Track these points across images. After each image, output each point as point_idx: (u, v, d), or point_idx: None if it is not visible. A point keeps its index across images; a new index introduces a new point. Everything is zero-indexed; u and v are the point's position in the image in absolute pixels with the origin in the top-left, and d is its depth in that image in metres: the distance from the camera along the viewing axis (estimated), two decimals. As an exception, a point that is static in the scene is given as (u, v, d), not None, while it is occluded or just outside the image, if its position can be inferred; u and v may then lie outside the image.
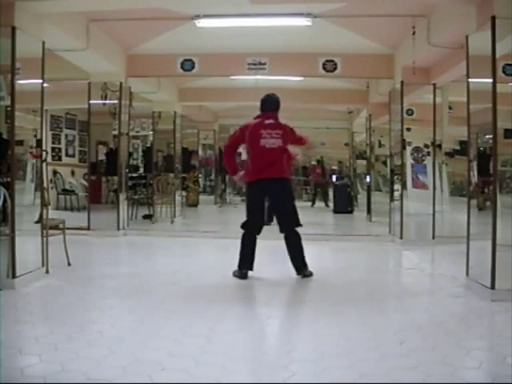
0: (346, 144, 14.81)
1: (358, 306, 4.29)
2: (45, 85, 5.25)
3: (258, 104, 5.33)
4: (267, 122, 5.18)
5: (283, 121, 5.29)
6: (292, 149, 5.34)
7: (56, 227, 5.61)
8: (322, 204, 14.45)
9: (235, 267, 5.21)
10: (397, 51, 7.96)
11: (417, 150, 8.37)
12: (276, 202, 5.27)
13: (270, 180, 5.10)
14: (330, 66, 8.26)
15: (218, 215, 12.97)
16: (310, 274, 5.20)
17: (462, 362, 3.03)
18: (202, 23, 6.92)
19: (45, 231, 5.22)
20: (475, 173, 5.16)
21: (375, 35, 7.52)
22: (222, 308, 4.17)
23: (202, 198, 14.07)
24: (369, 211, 10.91)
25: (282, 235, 5.24)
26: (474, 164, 5.25)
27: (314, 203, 14.63)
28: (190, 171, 13.36)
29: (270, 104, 5.31)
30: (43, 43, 5.15)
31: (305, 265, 5.22)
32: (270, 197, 5.28)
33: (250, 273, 5.17)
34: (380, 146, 10.91)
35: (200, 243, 7.82)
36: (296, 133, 5.43)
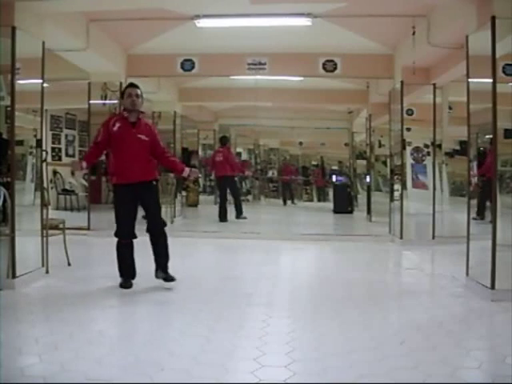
0: (346, 144, 14.79)
1: (358, 305, 4.29)
2: (45, 85, 5.25)
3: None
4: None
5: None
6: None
7: (56, 227, 5.61)
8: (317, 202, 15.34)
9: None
10: (397, 51, 7.96)
11: (417, 150, 8.36)
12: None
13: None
14: (329, 66, 8.26)
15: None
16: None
17: (462, 362, 3.04)
18: (202, 23, 6.92)
19: (45, 231, 5.22)
20: (475, 173, 5.16)
21: (375, 35, 7.52)
22: (221, 308, 4.17)
23: (201, 198, 14.05)
24: (369, 211, 10.90)
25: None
26: (474, 164, 5.26)
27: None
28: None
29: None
30: (43, 43, 5.15)
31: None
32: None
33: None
34: (380, 146, 10.91)
35: (200, 243, 7.82)
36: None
